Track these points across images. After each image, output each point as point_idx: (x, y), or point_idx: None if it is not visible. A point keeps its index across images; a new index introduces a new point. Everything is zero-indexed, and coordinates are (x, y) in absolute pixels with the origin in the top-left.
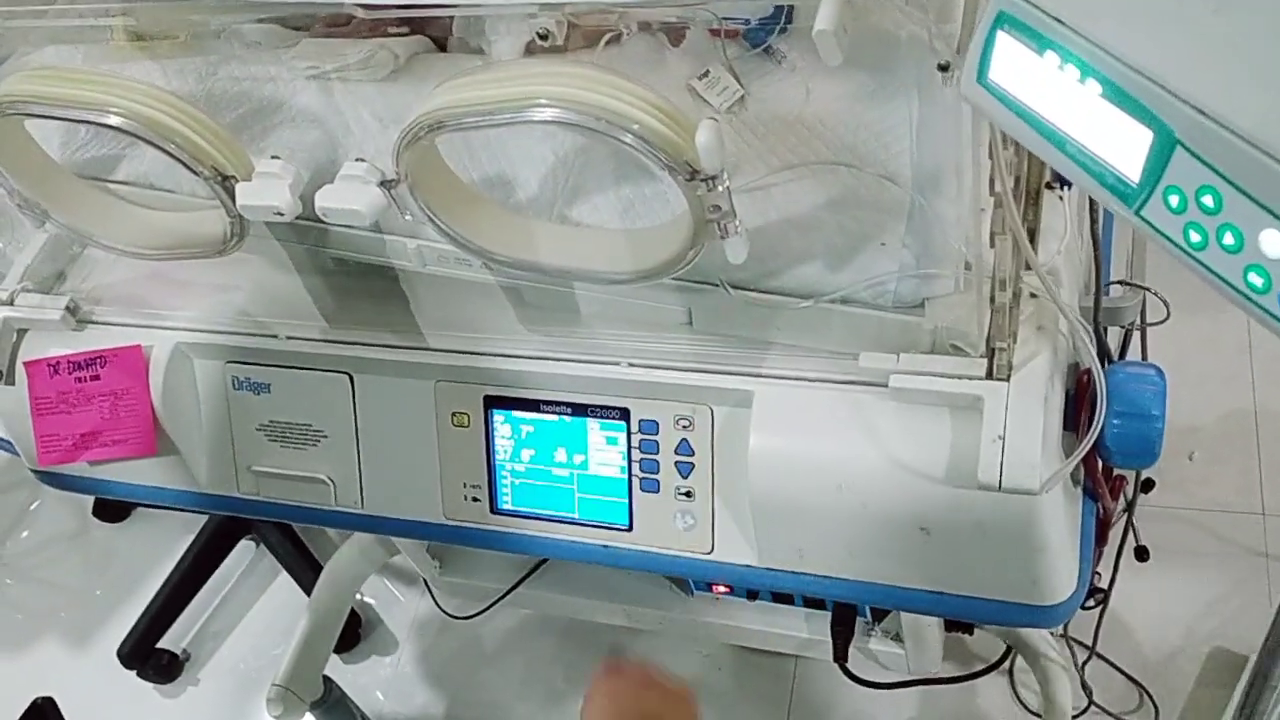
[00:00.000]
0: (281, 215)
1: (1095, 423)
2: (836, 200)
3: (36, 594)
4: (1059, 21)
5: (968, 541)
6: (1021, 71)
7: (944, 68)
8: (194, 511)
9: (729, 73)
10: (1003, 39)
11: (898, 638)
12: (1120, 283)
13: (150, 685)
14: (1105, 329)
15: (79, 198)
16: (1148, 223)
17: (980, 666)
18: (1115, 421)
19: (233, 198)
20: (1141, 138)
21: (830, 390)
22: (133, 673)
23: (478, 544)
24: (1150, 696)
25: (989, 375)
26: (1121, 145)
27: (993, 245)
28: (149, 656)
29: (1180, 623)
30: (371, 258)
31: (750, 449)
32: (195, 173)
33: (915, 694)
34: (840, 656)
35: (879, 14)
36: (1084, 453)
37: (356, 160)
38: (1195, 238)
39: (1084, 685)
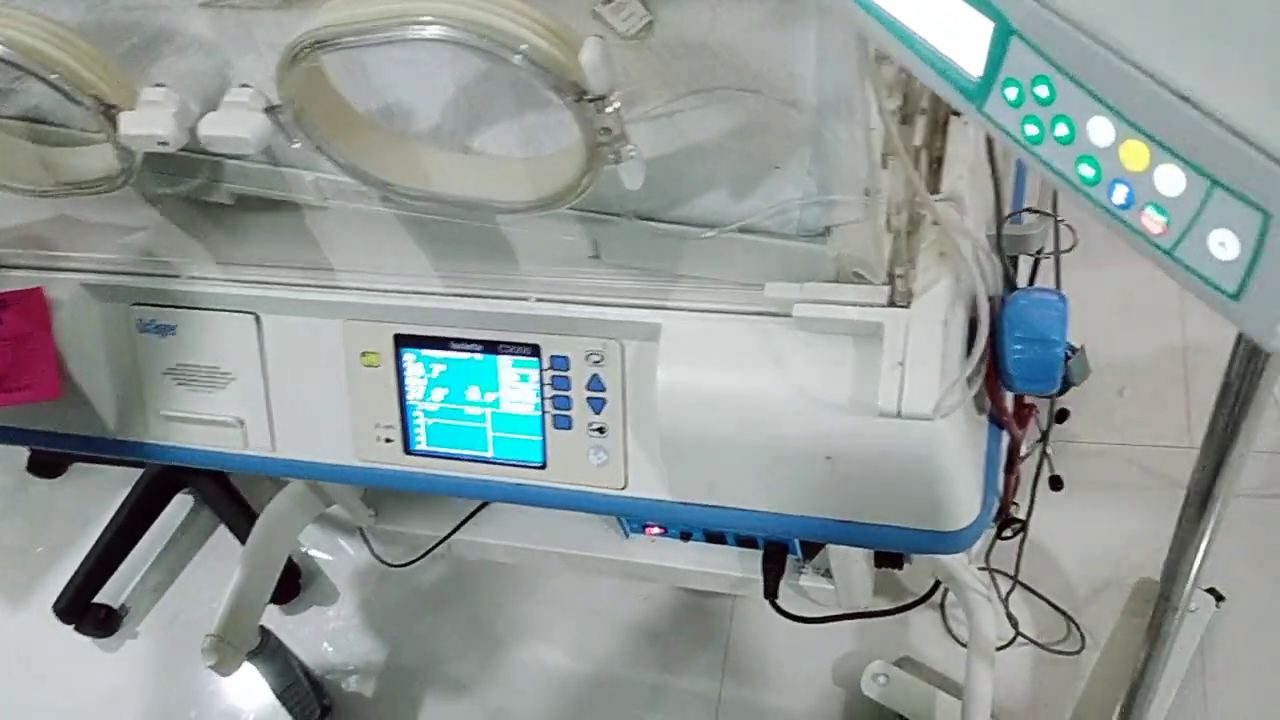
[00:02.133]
0: (166, 145)
1: (977, 346)
2: (742, 128)
3: None
4: None
5: (872, 469)
6: None
7: None
8: (106, 460)
9: None
10: None
11: (828, 574)
12: (1029, 210)
13: (88, 640)
14: (1016, 258)
15: None
16: (990, 119)
17: (910, 600)
18: (1017, 347)
19: (118, 127)
20: (983, 30)
21: (737, 321)
22: (70, 627)
23: (392, 485)
24: (1077, 626)
25: (890, 303)
26: (966, 40)
27: (885, 167)
28: (86, 611)
29: (1109, 555)
30: (269, 192)
31: (658, 383)
32: (77, 102)
33: (849, 629)
34: (771, 593)
35: None
36: (972, 373)
37: (241, 86)
38: (1032, 131)
39: (1009, 616)
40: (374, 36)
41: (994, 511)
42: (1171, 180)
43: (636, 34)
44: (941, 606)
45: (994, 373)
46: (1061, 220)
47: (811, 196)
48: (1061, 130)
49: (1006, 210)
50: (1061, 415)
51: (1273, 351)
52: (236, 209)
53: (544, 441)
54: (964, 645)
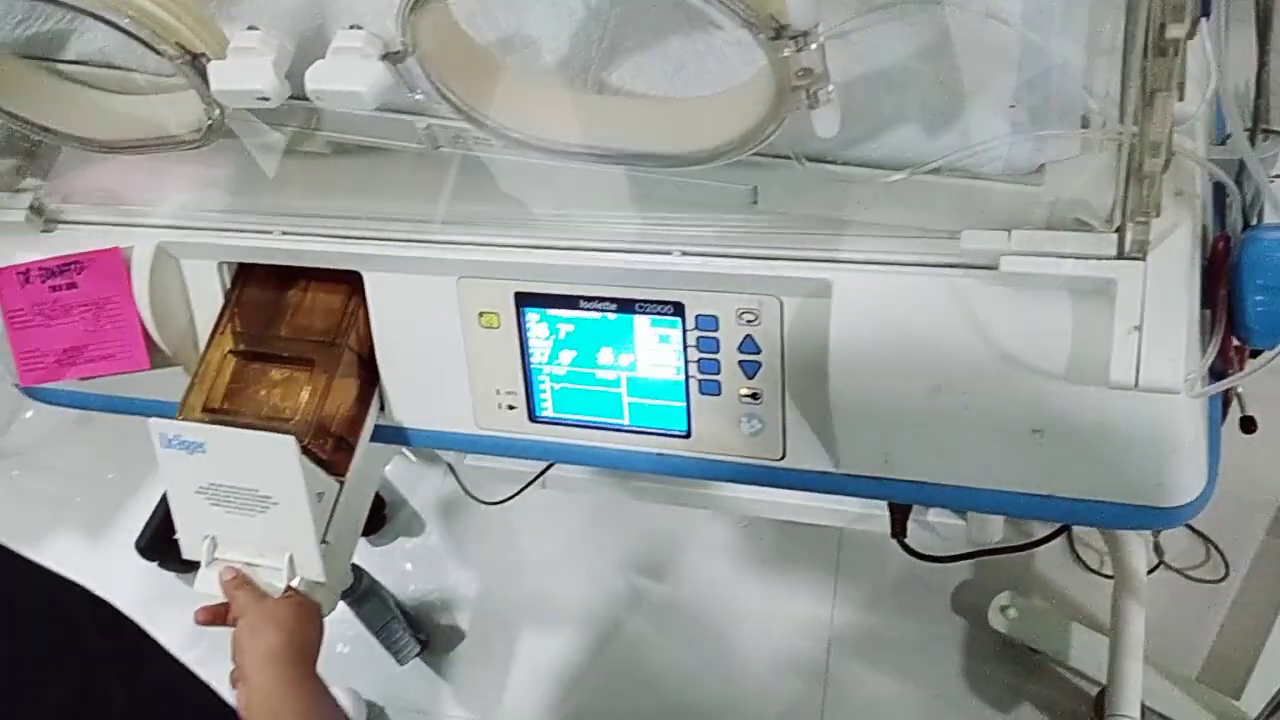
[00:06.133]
0: (267, 100)
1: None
2: (932, 46)
3: (47, 483)
4: None
5: (1087, 443)
6: None
7: None
8: None
9: None
10: None
11: (958, 510)
12: (1270, 131)
13: (172, 575)
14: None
15: (27, 84)
16: None
17: (1043, 533)
18: (1259, 298)
19: (206, 80)
20: None
21: (926, 275)
22: (154, 563)
23: (516, 454)
24: (1219, 550)
25: (1120, 254)
26: None
27: (1149, 104)
28: (168, 548)
29: (1247, 473)
30: (375, 141)
31: (830, 346)
32: (158, 52)
33: None
34: (899, 532)
35: None
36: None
37: (351, 28)
38: None
39: (1156, 547)
40: None
41: (1217, 479)
42: None
43: None
44: (1069, 533)
45: (1227, 323)
46: None
47: (1023, 129)
48: None
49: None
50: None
51: None
52: (332, 155)
53: (688, 408)
54: (1093, 573)
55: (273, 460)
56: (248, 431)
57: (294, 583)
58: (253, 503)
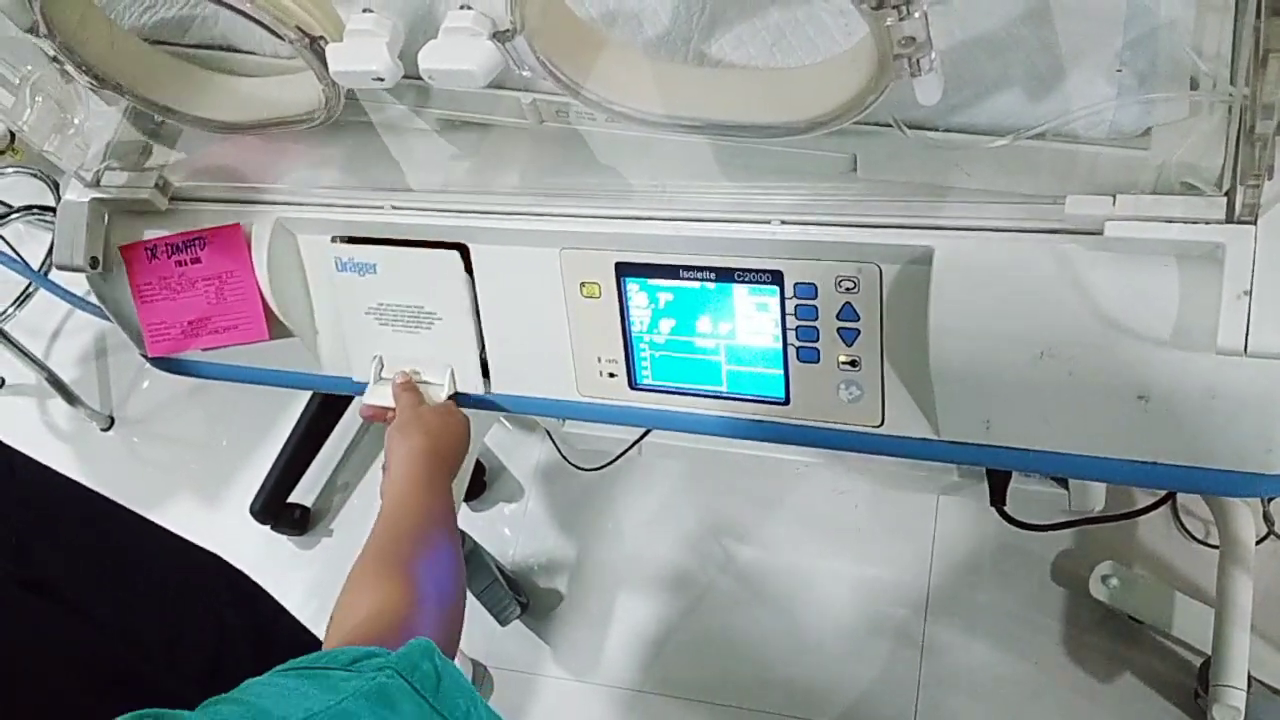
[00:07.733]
0: (382, 80)
1: None
2: (1035, 10)
3: (164, 450)
4: None
5: (1194, 409)
6: None
7: None
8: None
9: None
10: None
11: (1059, 478)
12: None
13: (285, 538)
14: None
15: (153, 68)
16: None
17: (1145, 502)
18: None
19: (324, 62)
20: None
21: (1029, 241)
22: (267, 527)
23: (617, 421)
24: None
25: (1230, 218)
26: None
27: (1262, 65)
28: (281, 511)
29: None
30: (480, 117)
31: (931, 312)
32: (279, 36)
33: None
34: (998, 500)
35: None
36: None
37: (461, 8)
38: None
39: (1266, 516)
40: None
41: None
42: None
43: None
44: (1172, 502)
45: None
46: None
47: (1130, 92)
48: None
49: None
50: None
51: None
52: (439, 132)
53: (786, 376)
54: (1198, 542)
55: (439, 275)
56: (416, 249)
57: (454, 394)
58: (418, 319)
